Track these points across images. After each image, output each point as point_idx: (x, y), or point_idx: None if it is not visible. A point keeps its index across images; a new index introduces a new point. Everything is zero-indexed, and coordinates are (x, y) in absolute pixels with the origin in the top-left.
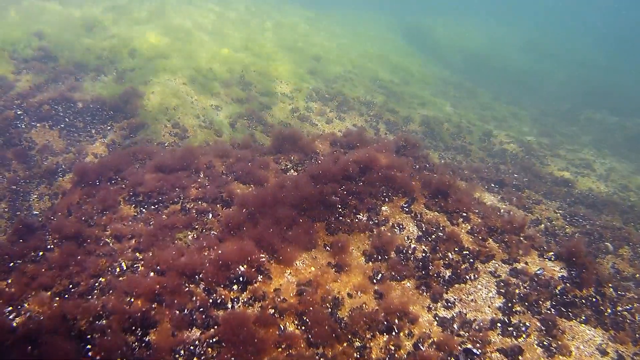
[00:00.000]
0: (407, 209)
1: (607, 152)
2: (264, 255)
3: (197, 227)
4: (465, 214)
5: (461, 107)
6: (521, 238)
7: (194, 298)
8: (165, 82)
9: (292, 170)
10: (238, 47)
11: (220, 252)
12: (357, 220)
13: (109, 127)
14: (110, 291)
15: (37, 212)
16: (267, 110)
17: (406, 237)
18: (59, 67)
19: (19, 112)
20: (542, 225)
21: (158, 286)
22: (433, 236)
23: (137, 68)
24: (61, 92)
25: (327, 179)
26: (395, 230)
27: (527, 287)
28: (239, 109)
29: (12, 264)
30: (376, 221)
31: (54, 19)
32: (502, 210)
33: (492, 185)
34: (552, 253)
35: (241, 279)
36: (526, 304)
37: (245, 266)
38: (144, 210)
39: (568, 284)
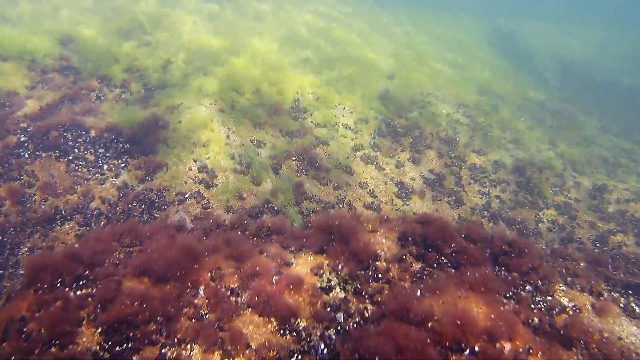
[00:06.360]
0: None
1: None
2: None
3: None
4: None
5: (563, 143)
6: None
7: None
8: (196, 108)
9: (337, 289)
10: (295, 62)
11: None
12: None
13: (122, 164)
14: None
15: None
16: (324, 146)
17: None
18: (80, 81)
19: (22, 139)
20: None
21: None
22: None
23: (168, 86)
24: (72, 116)
25: None
26: None
27: None
28: (287, 145)
29: None
30: None
31: (87, 22)
32: None
33: (628, 297)
34: None
35: None
36: None
37: None
38: (107, 346)
39: None
